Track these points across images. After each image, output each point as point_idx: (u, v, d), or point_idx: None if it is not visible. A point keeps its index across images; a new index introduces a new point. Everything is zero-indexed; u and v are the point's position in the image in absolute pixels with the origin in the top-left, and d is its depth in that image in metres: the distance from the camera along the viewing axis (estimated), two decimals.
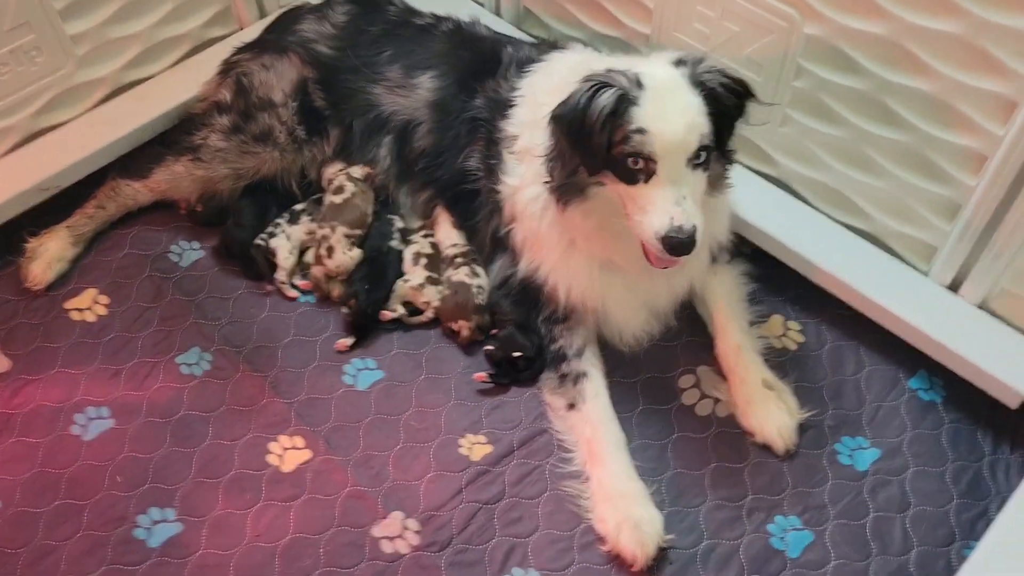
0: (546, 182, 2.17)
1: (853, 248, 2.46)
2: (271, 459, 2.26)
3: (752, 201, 2.52)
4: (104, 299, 2.58)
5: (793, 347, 2.47)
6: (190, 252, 2.68)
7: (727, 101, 2.02)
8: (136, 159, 2.75)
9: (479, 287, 2.46)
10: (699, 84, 1.98)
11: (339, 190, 2.58)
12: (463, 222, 2.59)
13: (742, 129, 2.52)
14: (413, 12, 2.79)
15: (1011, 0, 1.88)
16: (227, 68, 2.80)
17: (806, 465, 2.24)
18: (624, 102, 1.93)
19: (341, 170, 2.64)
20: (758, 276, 2.55)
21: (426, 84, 2.57)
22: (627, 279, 2.28)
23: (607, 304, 2.31)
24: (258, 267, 2.59)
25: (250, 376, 2.42)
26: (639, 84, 1.95)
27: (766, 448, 2.26)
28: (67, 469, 2.24)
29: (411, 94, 2.58)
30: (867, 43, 2.16)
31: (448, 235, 2.58)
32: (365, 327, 2.47)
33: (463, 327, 2.43)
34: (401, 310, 2.50)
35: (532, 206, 2.25)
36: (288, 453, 2.28)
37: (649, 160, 1.94)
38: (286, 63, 2.69)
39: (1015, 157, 2.02)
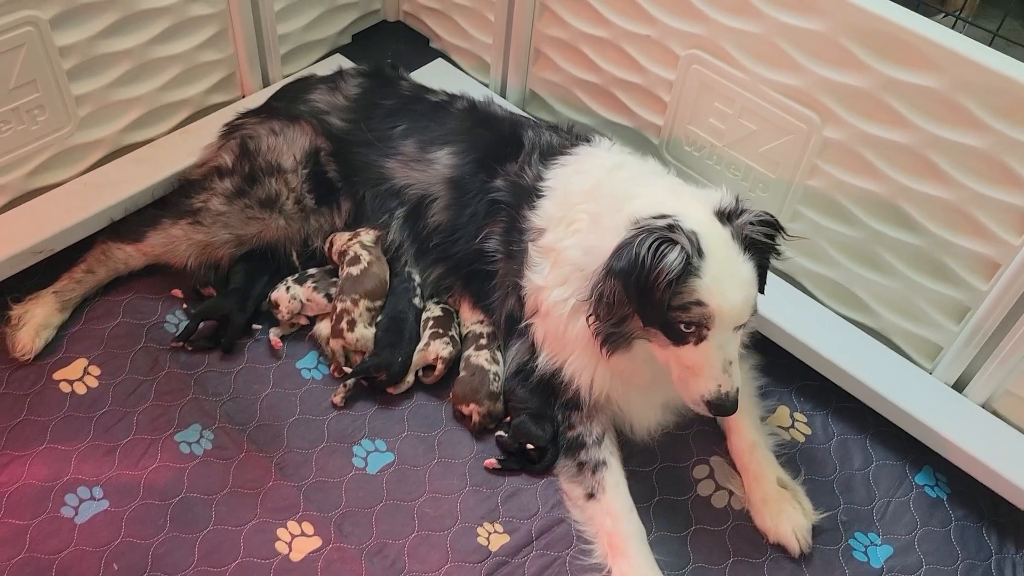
0: (590, 319, 2.11)
1: (858, 342, 2.51)
2: (279, 547, 2.16)
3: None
4: (95, 370, 2.45)
5: (801, 439, 2.50)
6: (187, 323, 2.58)
7: (765, 247, 2.06)
8: (127, 222, 2.65)
9: (495, 374, 2.43)
10: (745, 241, 2.00)
11: (355, 260, 2.53)
12: (476, 301, 2.57)
13: None
14: (426, 89, 2.80)
15: None
16: (230, 131, 2.75)
17: (823, 561, 2.24)
18: (688, 269, 1.92)
19: (351, 239, 2.60)
20: (763, 366, 2.59)
21: (443, 160, 2.56)
22: (643, 385, 2.29)
23: (627, 402, 2.31)
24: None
25: (255, 456, 2.32)
26: (700, 252, 1.93)
27: (780, 547, 2.26)
28: (58, 554, 2.10)
29: (427, 169, 2.57)
30: (887, 149, 2.25)
31: (475, 312, 2.56)
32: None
33: (474, 411, 2.39)
34: (411, 379, 2.48)
35: (558, 308, 2.22)
36: (297, 540, 2.18)
37: (703, 328, 1.97)
38: (297, 131, 2.65)
39: None
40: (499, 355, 2.47)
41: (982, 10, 3.40)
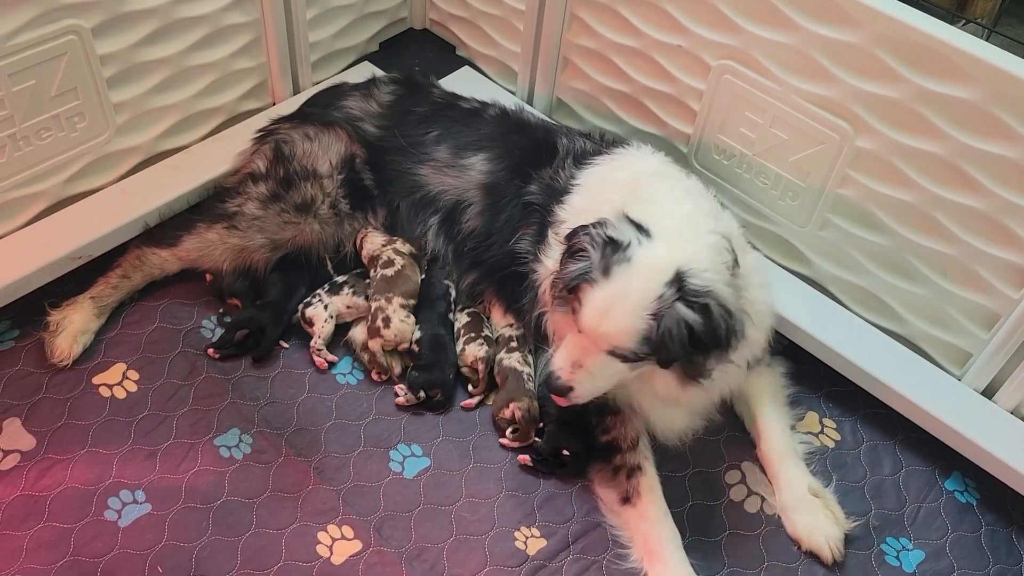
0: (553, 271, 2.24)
1: (887, 348, 2.54)
2: (320, 550, 2.19)
3: (787, 297, 2.58)
4: (134, 374, 2.48)
5: (830, 444, 2.52)
6: (222, 331, 2.60)
7: (668, 345, 1.98)
8: (162, 227, 2.68)
9: (528, 375, 2.46)
10: (659, 313, 1.96)
11: (389, 263, 2.56)
12: (509, 305, 2.59)
13: (777, 231, 2.63)
14: (458, 96, 2.83)
15: None
16: (263, 136, 2.78)
17: (857, 566, 2.27)
18: (585, 277, 2.03)
19: (385, 245, 2.63)
20: (792, 373, 2.61)
21: (478, 166, 2.59)
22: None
23: (646, 405, 2.33)
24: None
25: (294, 460, 2.34)
26: (607, 270, 2.00)
27: (812, 555, 2.28)
28: (103, 557, 2.13)
29: (462, 175, 2.60)
30: (920, 159, 2.28)
31: (505, 316, 2.60)
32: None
33: (515, 410, 2.40)
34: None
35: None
36: (338, 544, 2.20)
37: (578, 320, 2.06)
38: (332, 136, 2.68)
39: None
40: (530, 357, 2.50)
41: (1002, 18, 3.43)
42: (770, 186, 2.61)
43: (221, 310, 2.66)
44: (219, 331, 2.61)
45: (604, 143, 2.55)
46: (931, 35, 2.12)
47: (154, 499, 2.24)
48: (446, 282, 2.64)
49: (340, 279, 2.67)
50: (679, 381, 2.14)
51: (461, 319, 2.62)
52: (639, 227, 2.05)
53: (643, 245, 2.02)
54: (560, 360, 2.14)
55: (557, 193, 2.43)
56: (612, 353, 2.05)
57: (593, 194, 2.35)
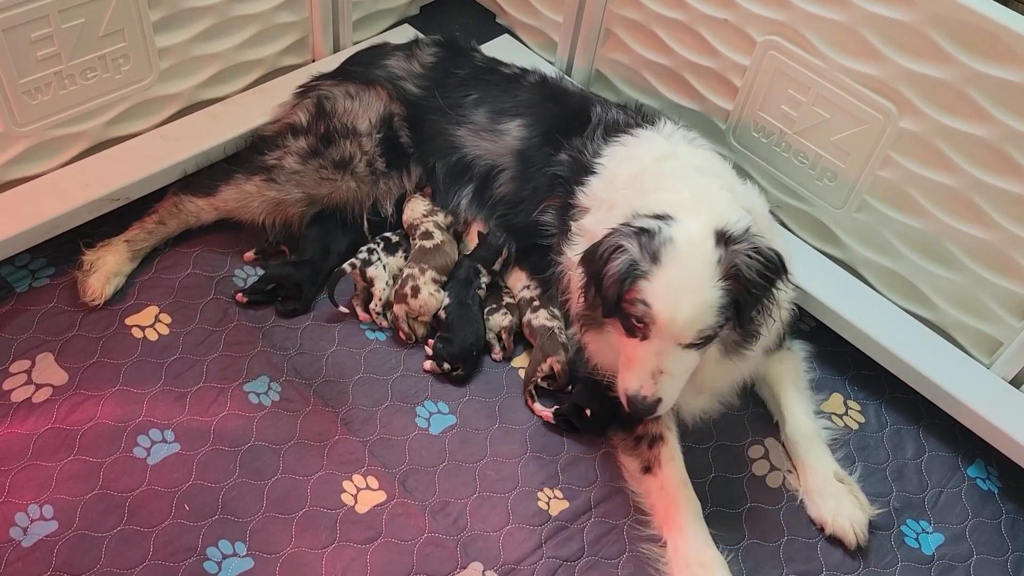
0: (580, 301, 2.22)
1: (916, 333, 2.53)
2: (345, 498, 2.21)
3: (818, 277, 2.59)
4: (166, 318, 2.50)
5: (854, 426, 2.53)
6: (255, 278, 2.62)
7: (755, 285, 2.00)
8: (200, 176, 2.70)
9: (559, 328, 2.48)
10: (729, 270, 1.97)
11: (428, 235, 2.58)
12: (535, 274, 2.60)
13: (812, 212, 2.63)
14: (498, 61, 2.83)
15: None
16: (305, 91, 2.79)
17: (876, 545, 2.28)
18: (634, 272, 1.97)
19: (426, 215, 2.64)
20: (818, 354, 2.62)
21: (513, 132, 2.60)
22: None
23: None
24: (324, 292, 2.58)
25: (321, 411, 2.36)
26: (655, 258, 1.96)
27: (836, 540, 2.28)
28: (131, 492, 2.15)
29: (498, 140, 2.61)
30: (965, 143, 2.27)
31: (518, 277, 2.61)
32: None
33: (553, 364, 2.41)
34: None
35: None
36: (363, 493, 2.22)
37: (647, 327, 2.00)
38: (372, 95, 2.69)
39: None
40: (556, 310, 2.52)
41: None
42: (808, 166, 2.61)
43: (262, 248, 2.68)
44: (252, 280, 2.62)
45: (637, 116, 2.54)
46: (986, 16, 2.10)
47: (183, 439, 2.26)
48: (503, 240, 2.63)
49: (394, 238, 2.67)
50: (721, 357, 2.14)
51: (483, 278, 2.61)
52: (659, 216, 2.04)
53: (673, 226, 2.01)
54: (636, 379, 2.04)
55: (582, 168, 2.42)
56: (689, 345, 2.01)
57: (610, 183, 2.33)
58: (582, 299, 2.19)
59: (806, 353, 2.60)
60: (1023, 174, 2.20)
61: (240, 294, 2.55)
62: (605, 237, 2.05)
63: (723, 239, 1.99)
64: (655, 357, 2.02)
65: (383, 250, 2.61)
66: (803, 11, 2.42)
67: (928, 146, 2.34)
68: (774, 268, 2.03)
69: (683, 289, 1.97)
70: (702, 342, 2.02)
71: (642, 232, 2.01)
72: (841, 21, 2.35)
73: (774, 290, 2.07)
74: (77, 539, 2.06)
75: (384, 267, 2.56)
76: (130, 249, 2.58)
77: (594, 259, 2.06)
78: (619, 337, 2.10)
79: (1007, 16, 2.09)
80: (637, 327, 2.01)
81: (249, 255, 2.68)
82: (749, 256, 1.99)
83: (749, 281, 1.98)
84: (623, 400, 2.10)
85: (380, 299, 2.53)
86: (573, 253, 2.31)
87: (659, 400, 2.05)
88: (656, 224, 2.01)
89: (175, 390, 2.35)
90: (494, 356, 2.53)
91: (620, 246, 2.00)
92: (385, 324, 2.56)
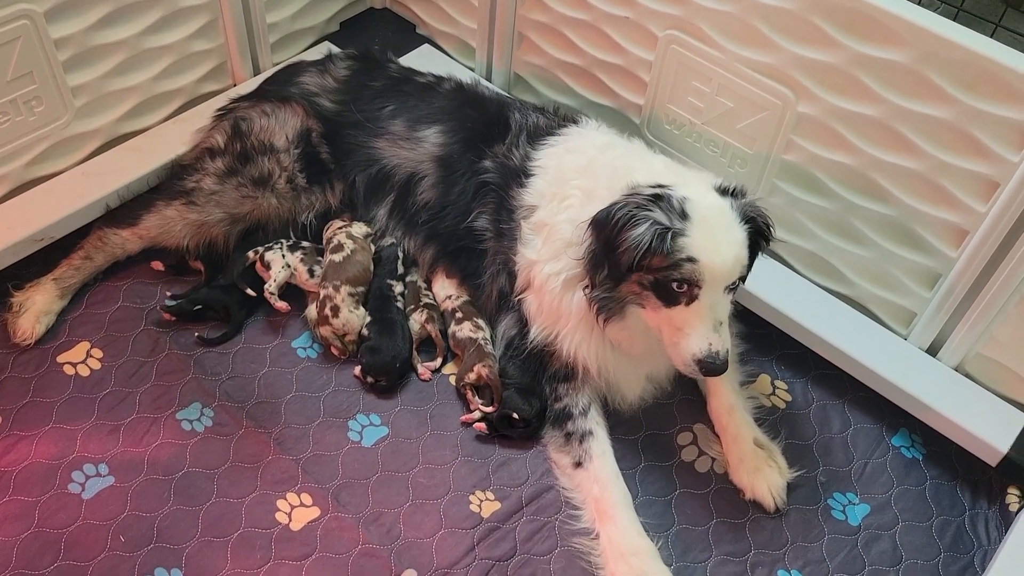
0: (585, 287, 2.24)
1: (835, 311, 2.60)
2: (280, 517, 2.25)
3: None
4: (98, 352, 2.53)
5: (782, 405, 2.58)
6: (181, 300, 2.65)
7: (766, 222, 2.18)
8: (122, 208, 2.72)
9: (485, 338, 2.52)
10: (746, 218, 2.13)
11: (338, 248, 2.61)
12: (465, 279, 2.64)
13: None
14: (413, 71, 2.87)
15: (997, 92, 2.07)
16: (222, 114, 2.83)
17: (803, 520, 2.33)
18: (663, 238, 2.03)
19: (340, 228, 2.67)
20: (745, 336, 2.67)
21: (432, 138, 2.64)
22: (634, 355, 2.37)
23: (618, 372, 2.39)
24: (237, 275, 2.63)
25: (254, 432, 2.40)
26: (683, 215, 2.05)
27: (757, 504, 2.35)
28: (67, 528, 2.18)
29: (416, 147, 2.65)
30: (858, 123, 2.32)
31: (443, 287, 2.65)
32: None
33: (481, 370, 2.45)
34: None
35: (552, 282, 2.31)
36: (297, 510, 2.26)
37: (694, 286, 2.05)
38: (288, 112, 2.72)
39: (996, 232, 2.19)
40: (480, 320, 2.56)
41: None
42: (719, 154, 2.66)
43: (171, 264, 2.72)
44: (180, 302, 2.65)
45: (557, 118, 2.59)
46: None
47: (117, 472, 2.29)
48: (393, 245, 2.69)
49: (304, 244, 2.71)
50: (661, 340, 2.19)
51: (397, 287, 2.66)
52: (657, 187, 2.13)
53: (679, 189, 2.11)
54: (701, 339, 2.06)
55: (513, 173, 2.47)
56: (728, 288, 2.10)
57: (556, 178, 2.40)
58: (593, 279, 2.19)
59: (736, 329, 2.65)
60: (913, 149, 2.25)
61: (166, 313, 2.58)
62: (614, 205, 2.10)
63: (725, 192, 2.16)
64: (710, 311, 2.07)
65: (288, 247, 2.66)
66: (698, 5, 2.47)
67: (826, 128, 2.39)
68: (767, 214, 2.19)
69: (720, 231, 2.07)
70: (735, 285, 2.12)
71: (656, 199, 2.08)
72: (731, 12, 2.40)
73: (774, 229, 2.21)
74: None
75: (283, 256, 2.62)
76: (59, 287, 2.60)
77: (607, 225, 2.09)
78: (653, 313, 2.14)
79: None
80: (681, 292, 2.05)
81: (157, 264, 2.71)
82: (752, 203, 2.17)
83: (763, 219, 2.16)
84: (692, 369, 2.09)
85: (275, 280, 2.59)
86: (530, 251, 2.37)
87: (728, 351, 2.09)
88: (663, 191, 2.10)
89: (108, 423, 2.39)
90: (422, 377, 2.56)
91: (635, 214, 2.05)
92: (280, 305, 2.61)
